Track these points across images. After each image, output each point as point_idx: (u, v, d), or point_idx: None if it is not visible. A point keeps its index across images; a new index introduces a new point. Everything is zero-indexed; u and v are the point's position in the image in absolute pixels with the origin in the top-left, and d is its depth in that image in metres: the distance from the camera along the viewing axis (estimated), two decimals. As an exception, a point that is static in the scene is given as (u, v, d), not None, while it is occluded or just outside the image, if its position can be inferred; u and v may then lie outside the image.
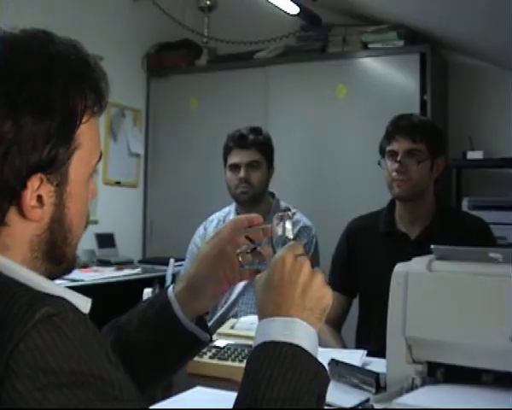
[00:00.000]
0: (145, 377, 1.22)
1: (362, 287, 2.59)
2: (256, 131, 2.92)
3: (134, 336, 1.24)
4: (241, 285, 2.80)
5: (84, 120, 0.96)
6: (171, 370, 1.33)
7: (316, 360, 0.98)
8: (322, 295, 1.05)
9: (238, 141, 2.86)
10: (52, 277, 1.00)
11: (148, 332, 1.24)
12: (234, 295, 2.85)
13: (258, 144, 2.87)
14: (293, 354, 0.96)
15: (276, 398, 0.91)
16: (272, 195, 3.01)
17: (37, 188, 0.92)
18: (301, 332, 0.99)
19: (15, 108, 0.89)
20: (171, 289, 1.26)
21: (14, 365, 0.76)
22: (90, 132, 0.98)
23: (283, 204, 2.98)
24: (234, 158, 2.87)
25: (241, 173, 2.83)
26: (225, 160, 2.92)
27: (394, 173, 2.42)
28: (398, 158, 2.42)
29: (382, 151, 2.52)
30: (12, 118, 0.89)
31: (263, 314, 1.04)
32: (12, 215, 0.93)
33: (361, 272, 2.58)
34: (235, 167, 2.86)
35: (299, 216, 2.95)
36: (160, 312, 1.24)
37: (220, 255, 1.25)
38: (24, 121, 0.89)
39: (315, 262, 2.87)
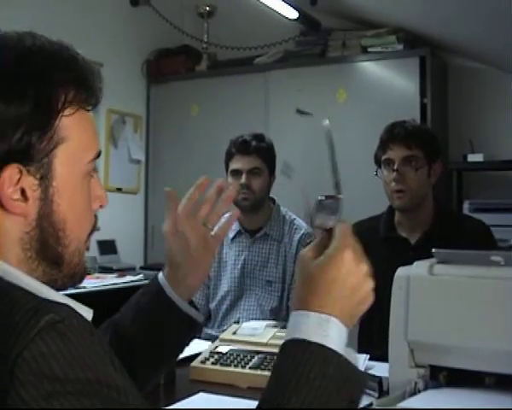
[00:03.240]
0: (145, 368, 1.23)
1: None
2: (259, 137, 2.91)
3: (131, 330, 1.24)
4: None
5: (67, 113, 0.95)
6: (170, 357, 1.33)
7: (348, 363, 0.94)
8: (366, 301, 1.04)
9: (240, 147, 2.86)
10: (58, 285, 0.98)
11: (144, 321, 1.24)
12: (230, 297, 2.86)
13: (261, 151, 2.87)
14: (324, 358, 0.92)
15: (300, 404, 0.89)
16: (273, 200, 3.01)
17: (17, 180, 0.91)
18: (335, 333, 0.96)
19: None
20: (161, 274, 1.27)
21: (19, 372, 0.76)
22: (79, 127, 0.97)
23: (284, 210, 2.98)
24: (235, 164, 2.86)
25: (243, 179, 2.82)
26: (227, 165, 2.92)
27: (393, 184, 2.41)
28: (395, 166, 2.40)
29: (378, 161, 2.50)
30: None
31: (301, 304, 0.98)
32: None
33: None
34: (236, 173, 2.86)
35: (300, 222, 2.94)
36: (153, 299, 1.26)
37: (182, 227, 1.26)
38: None
39: None
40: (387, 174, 2.44)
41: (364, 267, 1.03)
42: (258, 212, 2.87)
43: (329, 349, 0.93)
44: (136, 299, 1.28)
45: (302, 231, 2.88)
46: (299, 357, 0.93)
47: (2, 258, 0.92)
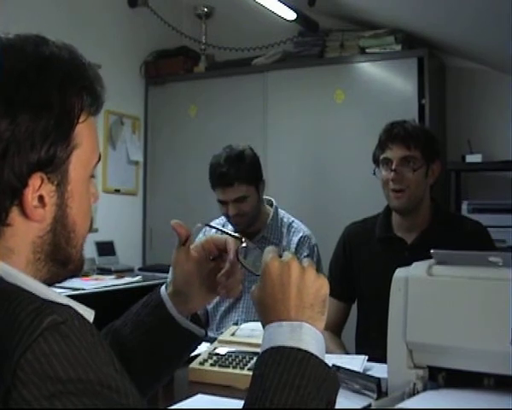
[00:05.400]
0: (144, 377, 1.23)
1: (360, 293, 2.58)
2: (237, 159, 2.72)
3: (130, 339, 1.25)
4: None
5: (81, 120, 0.97)
6: (170, 368, 1.34)
7: (325, 364, 0.98)
8: (318, 287, 1.05)
9: (220, 181, 2.72)
10: (59, 279, 1.01)
11: (144, 333, 1.25)
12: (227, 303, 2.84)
13: (241, 178, 2.70)
14: (301, 359, 0.96)
15: (283, 404, 0.91)
16: (270, 203, 2.95)
17: (38, 188, 0.93)
18: (309, 336, 0.99)
19: (12, 106, 0.90)
20: (163, 288, 1.28)
21: (21, 373, 0.76)
22: (88, 132, 0.99)
23: (281, 212, 2.94)
24: (219, 195, 2.75)
25: (230, 211, 2.73)
26: (213, 189, 2.80)
27: (391, 184, 2.40)
28: (393, 166, 2.39)
29: (376, 160, 2.49)
30: (9, 116, 0.89)
31: (266, 323, 1.03)
32: (15, 215, 0.93)
33: (358, 278, 2.56)
34: (223, 202, 2.76)
35: (298, 225, 2.90)
36: (153, 312, 1.26)
37: (194, 264, 1.27)
38: (21, 119, 0.90)
39: (319, 271, 2.83)
40: (385, 174, 2.43)
41: (294, 263, 1.06)
42: (254, 222, 2.82)
43: (305, 351, 0.97)
44: (137, 309, 1.29)
45: (301, 234, 2.84)
46: (277, 361, 0.96)
47: (11, 260, 0.93)
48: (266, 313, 1.04)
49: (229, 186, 2.70)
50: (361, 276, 2.55)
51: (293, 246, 2.82)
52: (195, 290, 1.27)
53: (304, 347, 0.97)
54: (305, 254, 2.80)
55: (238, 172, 2.69)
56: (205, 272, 1.28)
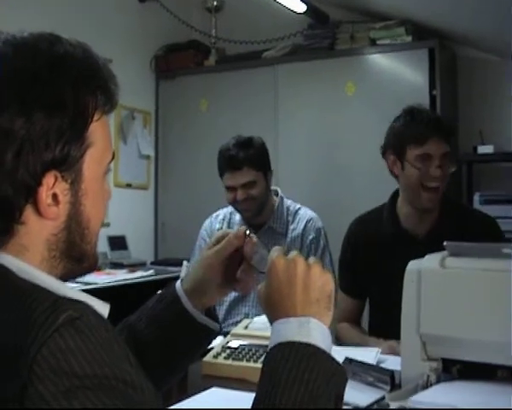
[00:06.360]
0: (159, 372, 1.24)
1: (371, 289, 2.52)
2: (246, 144, 2.75)
3: (145, 334, 1.26)
4: None
5: (95, 119, 0.97)
6: (185, 362, 1.35)
7: (333, 359, 0.99)
8: (324, 282, 1.05)
9: (230, 163, 2.74)
10: (74, 276, 1.02)
11: (159, 328, 1.26)
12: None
13: (251, 161, 2.73)
14: (310, 354, 0.97)
15: (293, 400, 0.92)
16: (276, 193, 2.94)
17: (52, 186, 0.93)
18: (316, 331, 1.00)
19: (27, 105, 0.90)
20: (178, 283, 1.29)
21: (37, 369, 0.77)
22: (101, 131, 0.99)
23: (287, 201, 2.93)
24: (228, 181, 2.76)
25: (239, 196, 2.73)
26: (221, 177, 2.82)
27: (430, 181, 2.29)
28: (438, 163, 2.27)
29: (402, 153, 2.34)
30: (24, 114, 0.90)
31: (274, 320, 1.04)
32: (29, 214, 0.94)
33: (369, 275, 2.50)
34: (231, 189, 2.77)
35: (304, 211, 2.89)
36: (168, 307, 1.27)
37: (223, 263, 1.27)
38: (36, 117, 0.90)
39: (326, 254, 2.82)
40: (420, 170, 2.29)
41: (300, 259, 1.06)
42: (262, 212, 2.82)
43: (313, 346, 0.98)
44: (152, 304, 1.30)
45: (306, 219, 2.83)
46: (286, 356, 0.97)
47: (25, 257, 0.94)
48: (273, 310, 1.05)
49: (237, 170, 2.73)
50: (371, 272, 2.48)
51: (299, 232, 2.81)
52: (213, 286, 1.27)
53: (312, 341, 0.98)
54: (312, 236, 2.79)
55: (247, 156, 2.73)
56: (222, 267, 1.28)
